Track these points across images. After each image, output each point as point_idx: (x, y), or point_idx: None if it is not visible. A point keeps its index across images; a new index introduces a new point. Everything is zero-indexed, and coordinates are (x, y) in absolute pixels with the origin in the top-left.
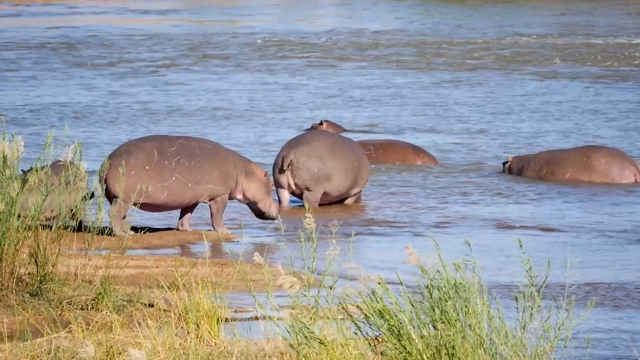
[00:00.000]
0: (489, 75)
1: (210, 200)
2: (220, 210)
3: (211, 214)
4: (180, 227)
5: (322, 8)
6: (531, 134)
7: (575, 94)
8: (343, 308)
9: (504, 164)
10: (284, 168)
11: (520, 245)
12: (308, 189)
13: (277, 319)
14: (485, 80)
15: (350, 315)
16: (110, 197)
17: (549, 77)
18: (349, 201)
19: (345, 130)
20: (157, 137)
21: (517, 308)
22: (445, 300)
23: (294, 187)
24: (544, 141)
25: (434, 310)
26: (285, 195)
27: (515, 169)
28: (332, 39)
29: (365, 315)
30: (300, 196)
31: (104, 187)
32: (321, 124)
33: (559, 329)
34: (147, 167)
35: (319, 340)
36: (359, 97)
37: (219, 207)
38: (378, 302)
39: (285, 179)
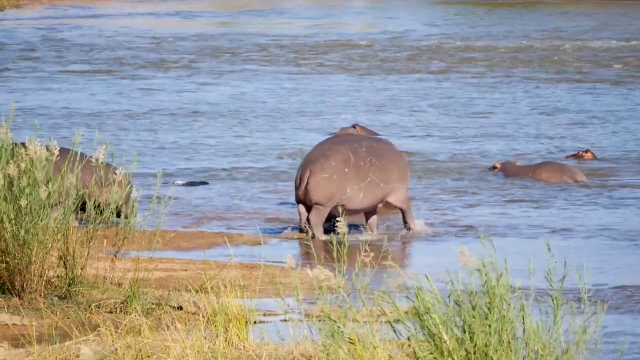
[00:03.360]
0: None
1: (391, 200)
2: (410, 207)
3: (404, 215)
4: (369, 232)
5: (355, 10)
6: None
7: None
8: (377, 309)
9: (492, 168)
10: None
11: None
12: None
13: (306, 322)
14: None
15: (385, 314)
16: (310, 203)
17: None
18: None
19: (377, 134)
20: (345, 137)
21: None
22: (473, 303)
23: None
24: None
25: (471, 311)
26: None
27: (500, 174)
28: (370, 42)
29: (399, 315)
30: None
31: (304, 194)
32: (354, 127)
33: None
34: (345, 170)
35: (349, 340)
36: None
37: (408, 205)
38: (416, 302)
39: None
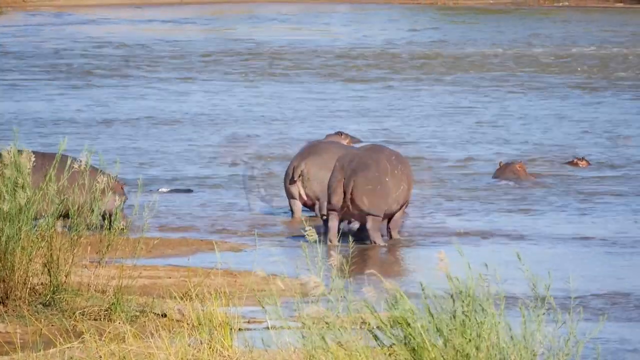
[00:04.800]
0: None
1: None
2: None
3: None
4: (394, 236)
5: (336, 18)
6: None
7: None
8: (359, 317)
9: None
10: (295, 179)
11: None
12: (319, 200)
13: (289, 329)
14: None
15: (368, 323)
16: (359, 212)
17: None
18: None
19: (360, 142)
20: (375, 146)
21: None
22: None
23: (305, 198)
24: None
25: (453, 320)
26: (298, 205)
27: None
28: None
29: (381, 323)
30: (312, 207)
31: (350, 203)
32: (340, 134)
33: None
34: (387, 179)
35: (328, 349)
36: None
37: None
38: (395, 310)
39: (297, 189)
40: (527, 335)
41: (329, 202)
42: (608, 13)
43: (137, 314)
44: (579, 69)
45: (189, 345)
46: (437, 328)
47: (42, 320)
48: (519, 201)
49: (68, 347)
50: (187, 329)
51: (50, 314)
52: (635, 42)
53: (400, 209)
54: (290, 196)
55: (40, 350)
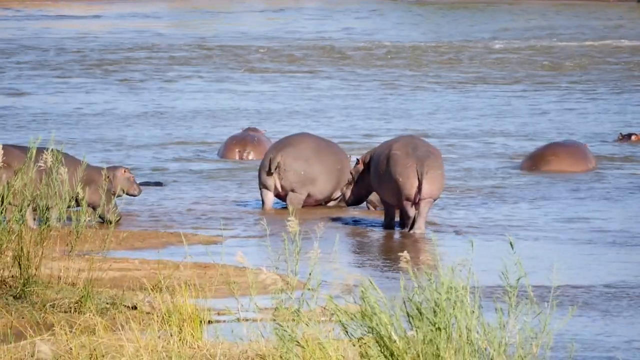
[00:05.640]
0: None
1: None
2: None
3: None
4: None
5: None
6: None
7: None
8: (326, 309)
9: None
10: (272, 170)
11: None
12: (293, 191)
13: (260, 321)
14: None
15: (337, 315)
16: (423, 198)
17: None
18: (330, 204)
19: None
20: (415, 136)
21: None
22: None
23: (279, 189)
24: None
25: (419, 312)
26: (270, 197)
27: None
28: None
29: (348, 316)
30: (284, 198)
31: (418, 189)
32: (248, 129)
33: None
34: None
35: (297, 343)
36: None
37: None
38: (364, 303)
39: (272, 181)
40: (501, 325)
41: (404, 192)
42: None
43: (108, 306)
44: None
45: (158, 337)
46: (409, 316)
47: (13, 312)
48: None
49: (39, 339)
50: (157, 321)
51: (21, 307)
52: None
53: None
54: (264, 187)
55: (11, 342)
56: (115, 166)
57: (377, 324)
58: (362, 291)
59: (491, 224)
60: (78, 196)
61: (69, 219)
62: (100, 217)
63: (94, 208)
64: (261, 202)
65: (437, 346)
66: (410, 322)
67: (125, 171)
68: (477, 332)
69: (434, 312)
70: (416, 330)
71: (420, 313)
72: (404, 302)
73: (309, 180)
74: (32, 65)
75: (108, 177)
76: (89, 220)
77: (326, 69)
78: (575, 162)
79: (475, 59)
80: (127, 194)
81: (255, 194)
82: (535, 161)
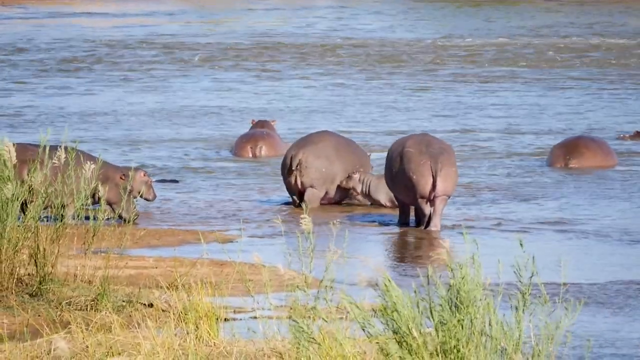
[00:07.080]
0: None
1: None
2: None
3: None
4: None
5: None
6: None
7: None
8: (343, 307)
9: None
10: (293, 168)
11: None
12: (312, 187)
13: (276, 318)
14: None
15: (353, 313)
16: (437, 195)
17: None
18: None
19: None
20: (427, 134)
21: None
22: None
23: (299, 186)
24: None
25: (442, 308)
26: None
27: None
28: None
29: (363, 314)
30: (302, 195)
31: (433, 186)
32: (257, 123)
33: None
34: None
35: (313, 340)
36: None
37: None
38: (385, 300)
39: (293, 178)
40: (516, 323)
41: (418, 189)
42: None
43: (124, 304)
44: None
45: (175, 335)
46: (431, 314)
47: (29, 310)
48: None
49: (55, 337)
50: (174, 319)
51: (37, 305)
52: None
53: None
54: (286, 185)
55: (27, 340)
56: (135, 167)
57: (397, 320)
58: (385, 285)
59: (515, 221)
60: (94, 194)
61: (87, 217)
62: (119, 216)
63: (111, 206)
64: (292, 202)
65: (457, 340)
66: (430, 318)
67: (144, 174)
68: (492, 329)
69: (457, 307)
70: (437, 326)
71: (451, 307)
72: (428, 295)
73: (330, 179)
74: (42, 63)
75: (128, 176)
76: (107, 218)
77: (339, 68)
78: (604, 158)
79: (497, 56)
80: (142, 197)
81: (269, 192)
82: (567, 153)
